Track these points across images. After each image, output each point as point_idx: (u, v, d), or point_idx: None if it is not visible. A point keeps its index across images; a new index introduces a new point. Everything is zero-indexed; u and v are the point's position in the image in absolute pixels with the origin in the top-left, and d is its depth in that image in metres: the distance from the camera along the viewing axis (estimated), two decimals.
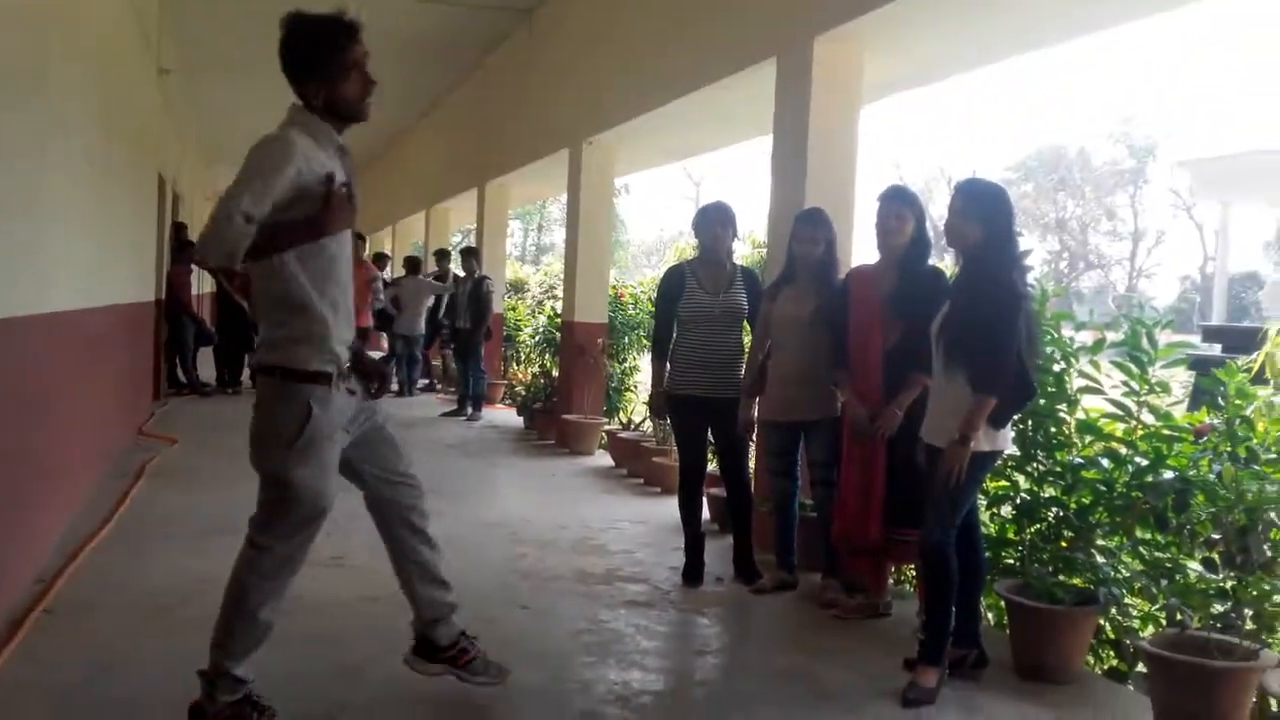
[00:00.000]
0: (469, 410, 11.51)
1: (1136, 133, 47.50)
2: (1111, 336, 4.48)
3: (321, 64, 3.07)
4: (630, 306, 10.86)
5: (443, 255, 13.86)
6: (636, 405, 10.44)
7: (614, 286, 10.92)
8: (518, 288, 16.96)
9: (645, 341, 10.48)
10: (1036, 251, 44.06)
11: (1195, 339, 13.00)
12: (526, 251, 49.99)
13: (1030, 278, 4.01)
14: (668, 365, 5.26)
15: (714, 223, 5.25)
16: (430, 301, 13.38)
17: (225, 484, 7.06)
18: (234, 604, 3.17)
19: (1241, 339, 8.85)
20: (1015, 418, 3.99)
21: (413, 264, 13.81)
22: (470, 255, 11.96)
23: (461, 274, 11.99)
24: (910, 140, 72.70)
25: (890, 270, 4.56)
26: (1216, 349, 9.79)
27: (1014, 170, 49.61)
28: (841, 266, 5.12)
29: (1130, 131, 47.52)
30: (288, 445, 3.05)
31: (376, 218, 23.33)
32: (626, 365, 10.87)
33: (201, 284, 16.61)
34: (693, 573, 5.23)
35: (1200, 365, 6.88)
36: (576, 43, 10.10)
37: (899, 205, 4.55)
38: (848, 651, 4.28)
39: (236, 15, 11.70)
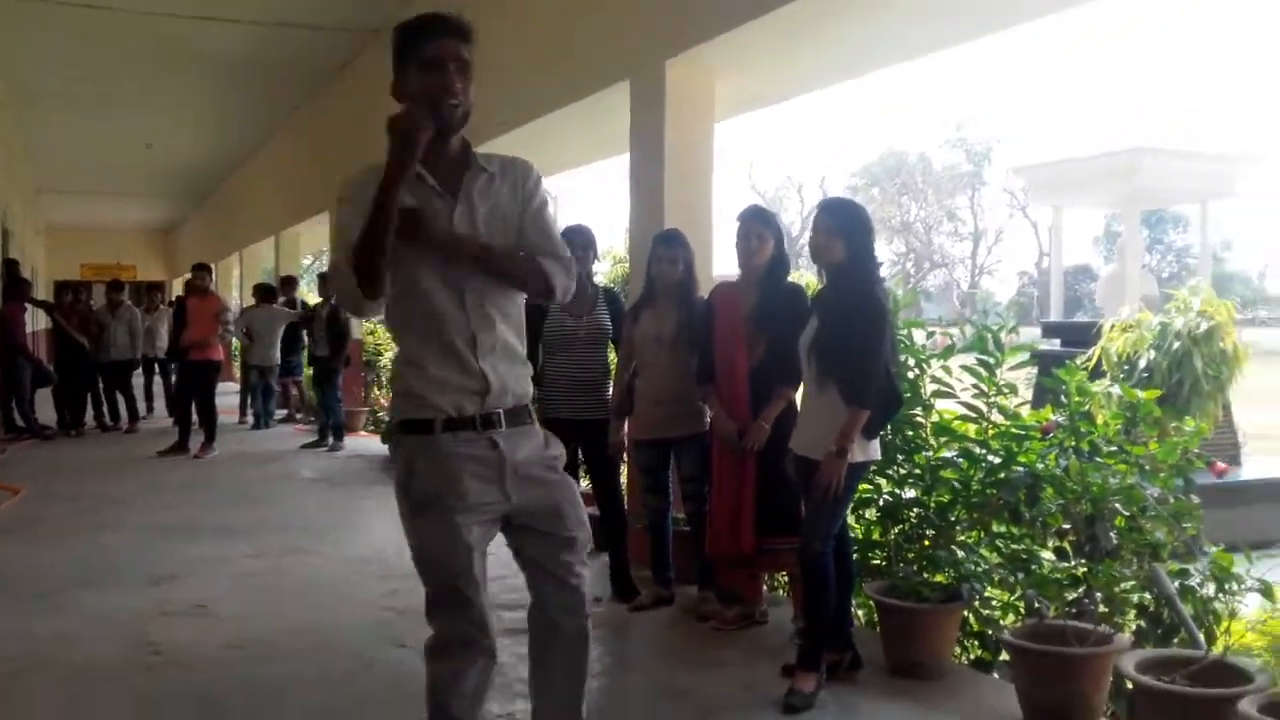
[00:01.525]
0: (330, 440, 11.21)
1: (972, 138, 49.69)
2: (957, 333, 4.70)
3: (399, 57, 2.65)
4: None
5: (289, 282, 13.40)
6: None
7: None
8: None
9: None
10: (885, 253, 45.56)
11: (1036, 331, 13.64)
12: None
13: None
14: (537, 390, 5.25)
15: (573, 247, 5.24)
16: (283, 330, 12.97)
17: (77, 534, 6.73)
18: (427, 697, 2.84)
19: (1079, 333, 9.35)
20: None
21: (265, 292, 13.36)
22: (327, 280, 11.67)
23: (318, 299, 11.67)
24: (759, 150, 74.48)
25: (752, 288, 4.66)
26: (1056, 344, 10.32)
27: (860, 176, 51.30)
28: (702, 283, 5.21)
29: (966, 137, 49.65)
30: (403, 499, 2.74)
31: (222, 244, 22.59)
32: None
33: (35, 321, 15.78)
34: None
35: (1042, 362, 7.27)
36: None
37: (759, 225, 4.65)
38: (728, 663, 4.34)
39: (60, 46, 11.31)
